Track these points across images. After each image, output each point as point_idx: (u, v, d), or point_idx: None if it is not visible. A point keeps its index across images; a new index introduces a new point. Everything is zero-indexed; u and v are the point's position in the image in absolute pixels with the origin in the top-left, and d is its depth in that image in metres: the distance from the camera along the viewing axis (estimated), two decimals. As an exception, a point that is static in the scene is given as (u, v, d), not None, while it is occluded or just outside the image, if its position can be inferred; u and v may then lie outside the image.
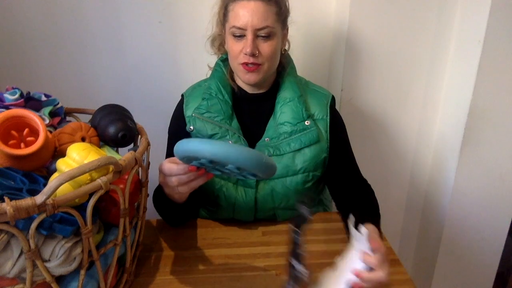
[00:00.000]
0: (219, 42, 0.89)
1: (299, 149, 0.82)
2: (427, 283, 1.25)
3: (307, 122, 0.82)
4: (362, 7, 1.04)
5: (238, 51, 0.78)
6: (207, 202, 0.87)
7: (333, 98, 0.89)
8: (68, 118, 0.76)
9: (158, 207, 0.81)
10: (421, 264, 1.31)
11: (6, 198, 0.41)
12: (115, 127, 0.63)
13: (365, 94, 1.14)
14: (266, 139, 0.83)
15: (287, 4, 0.82)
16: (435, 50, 1.10)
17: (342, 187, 0.86)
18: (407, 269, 0.72)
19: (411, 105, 1.17)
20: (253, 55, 0.76)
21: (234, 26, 0.76)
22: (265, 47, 0.77)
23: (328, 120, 0.85)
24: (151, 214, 0.80)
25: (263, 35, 0.76)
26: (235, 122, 0.84)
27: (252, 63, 0.77)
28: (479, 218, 1.15)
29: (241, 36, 0.77)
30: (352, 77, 1.12)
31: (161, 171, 0.62)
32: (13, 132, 0.54)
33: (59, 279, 0.51)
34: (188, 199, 0.70)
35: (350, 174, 0.88)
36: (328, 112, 0.85)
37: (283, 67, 0.87)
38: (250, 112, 0.87)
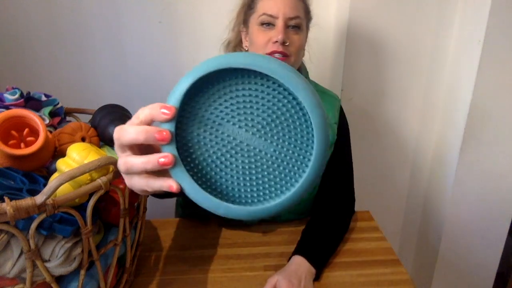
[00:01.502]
0: (234, 44, 0.88)
1: None
2: (427, 283, 1.25)
3: None
4: (362, 7, 1.04)
5: (266, 40, 0.74)
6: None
7: (340, 102, 0.89)
8: (68, 118, 0.76)
9: None
10: (421, 264, 1.31)
11: (6, 198, 0.41)
12: (115, 127, 0.63)
13: (365, 94, 1.14)
14: None
15: (310, 8, 0.81)
16: (435, 49, 1.10)
17: (322, 197, 0.84)
18: (407, 269, 0.72)
19: (411, 105, 1.17)
20: (283, 43, 0.73)
21: (265, 14, 0.74)
22: (295, 38, 0.75)
23: (336, 127, 0.84)
24: (151, 214, 0.80)
25: (293, 25, 0.74)
26: None
27: (280, 53, 0.73)
28: (479, 218, 1.15)
29: (270, 26, 0.74)
30: (352, 77, 1.12)
31: (116, 139, 0.38)
32: (13, 132, 0.54)
33: (59, 279, 0.51)
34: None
35: (337, 186, 0.85)
36: (337, 118, 0.85)
37: (299, 69, 0.87)
38: None
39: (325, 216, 0.80)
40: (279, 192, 0.37)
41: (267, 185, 0.37)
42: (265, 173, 0.37)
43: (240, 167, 0.37)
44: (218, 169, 0.37)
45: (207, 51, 1.11)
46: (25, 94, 0.67)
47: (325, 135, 0.35)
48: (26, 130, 0.55)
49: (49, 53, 1.11)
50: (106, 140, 0.65)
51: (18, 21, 1.07)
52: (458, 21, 1.04)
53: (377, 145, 1.23)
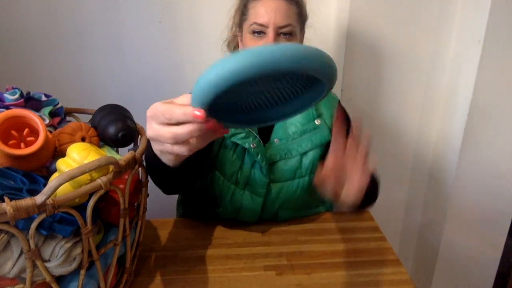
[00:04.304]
0: (234, 44, 0.88)
1: (309, 151, 0.80)
2: (427, 283, 1.25)
3: (317, 121, 0.81)
4: (362, 8, 1.04)
5: None
6: (211, 203, 0.86)
7: (339, 101, 0.89)
8: (68, 118, 0.75)
9: (149, 169, 0.64)
10: (421, 264, 1.31)
11: (6, 198, 0.41)
12: (115, 127, 0.63)
13: (365, 94, 1.14)
14: (275, 140, 0.81)
15: (306, 8, 0.80)
16: (435, 50, 1.10)
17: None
18: (407, 269, 0.72)
19: (411, 105, 1.17)
20: None
21: (255, 23, 0.74)
22: None
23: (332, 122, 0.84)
24: (151, 214, 0.80)
25: (284, 32, 0.74)
26: None
27: None
28: (479, 218, 1.15)
29: (261, 34, 0.74)
30: (352, 77, 1.12)
31: (152, 118, 0.42)
32: (13, 132, 0.54)
33: (59, 279, 0.51)
34: (185, 164, 0.53)
35: None
36: (335, 115, 0.85)
37: None
38: None
39: None
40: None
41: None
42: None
43: (258, 99, 0.46)
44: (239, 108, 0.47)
45: (207, 51, 1.11)
46: (25, 94, 0.67)
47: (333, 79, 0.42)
48: (26, 130, 0.55)
49: (49, 53, 1.11)
50: (106, 140, 0.65)
51: (18, 21, 1.07)
52: (458, 21, 1.04)
53: (377, 145, 1.23)
